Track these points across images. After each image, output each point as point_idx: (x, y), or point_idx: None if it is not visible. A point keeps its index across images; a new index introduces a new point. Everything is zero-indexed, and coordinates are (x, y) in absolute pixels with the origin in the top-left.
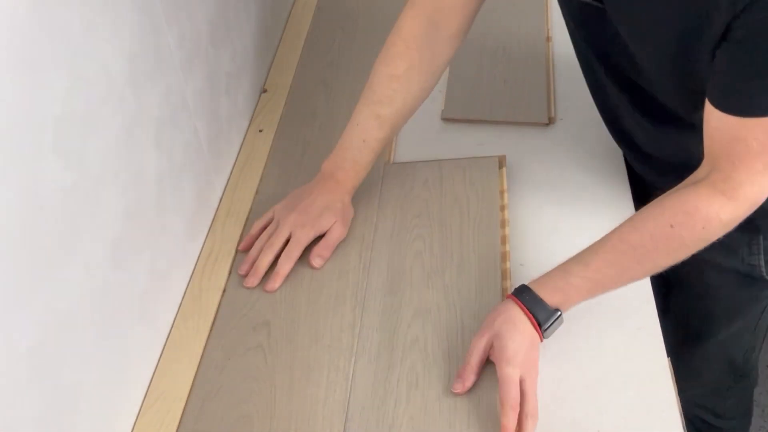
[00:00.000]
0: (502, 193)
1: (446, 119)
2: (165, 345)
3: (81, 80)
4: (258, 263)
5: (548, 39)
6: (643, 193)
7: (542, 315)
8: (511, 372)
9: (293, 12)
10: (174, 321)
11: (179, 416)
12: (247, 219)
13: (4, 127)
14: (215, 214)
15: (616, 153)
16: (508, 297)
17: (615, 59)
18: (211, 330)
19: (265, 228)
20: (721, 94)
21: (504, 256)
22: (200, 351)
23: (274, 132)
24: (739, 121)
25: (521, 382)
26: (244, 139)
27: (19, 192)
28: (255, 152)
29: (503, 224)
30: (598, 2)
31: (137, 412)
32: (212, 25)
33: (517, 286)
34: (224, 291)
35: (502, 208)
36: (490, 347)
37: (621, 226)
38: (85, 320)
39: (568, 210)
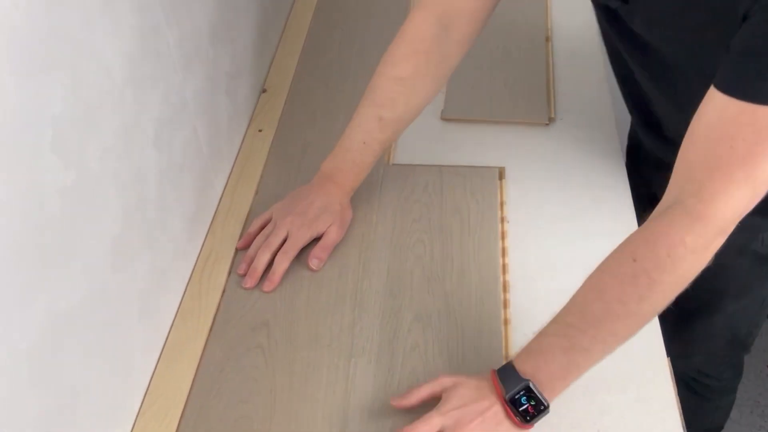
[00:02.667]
0: (501, 204)
1: (446, 119)
2: (165, 345)
3: (80, 80)
4: (255, 263)
5: (548, 39)
6: (646, 194)
7: (509, 384)
8: (437, 421)
9: (293, 12)
10: (174, 321)
11: (179, 416)
12: (246, 219)
13: (3, 126)
14: (215, 214)
15: (616, 153)
16: (492, 376)
17: (641, 51)
18: (210, 330)
19: (263, 227)
20: (727, 75)
21: (504, 268)
22: (200, 351)
23: (273, 132)
24: (737, 108)
25: None
26: (244, 139)
27: (19, 192)
28: (255, 152)
29: (503, 236)
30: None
31: (137, 412)
32: (212, 25)
33: (517, 290)
34: (224, 291)
35: (502, 219)
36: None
37: (591, 274)
38: (84, 320)
39: (568, 210)
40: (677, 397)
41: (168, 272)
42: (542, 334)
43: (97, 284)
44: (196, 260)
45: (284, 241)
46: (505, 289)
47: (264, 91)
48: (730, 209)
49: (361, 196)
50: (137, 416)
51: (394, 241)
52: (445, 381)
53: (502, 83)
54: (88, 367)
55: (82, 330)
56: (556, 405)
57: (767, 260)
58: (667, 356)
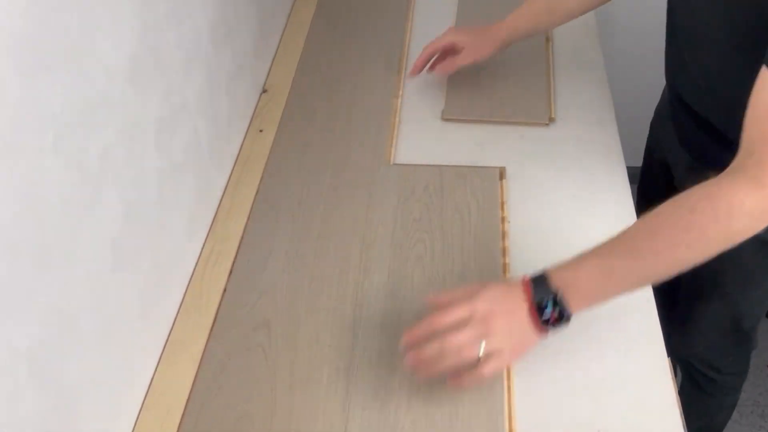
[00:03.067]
0: (502, 204)
1: (447, 119)
2: (165, 344)
3: (81, 80)
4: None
5: (548, 39)
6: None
7: (539, 290)
8: (465, 310)
9: (293, 12)
10: (174, 321)
11: (180, 416)
12: (247, 219)
13: (4, 127)
14: (216, 214)
15: (616, 153)
16: (524, 284)
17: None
18: (211, 330)
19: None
20: None
21: (505, 268)
22: (201, 351)
23: (274, 132)
24: None
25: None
26: (245, 139)
27: (20, 191)
28: (255, 152)
29: (504, 236)
30: None
31: (138, 411)
32: (212, 25)
33: None
34: (225, 290)
35: (503, 219)
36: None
37: (645, 215)
38: (85, 320)
39: (569, 211)
40: (677, 396)
41: (169, 272)
42: (583, 255)
43: (97, 284)
44: (197, 260)
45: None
46: None
47: (264, 91)
48: None
49: (362, 195)
50: (138, 416)
51: (395, 241)
52: (477, 285)
53: (502, 84)
54: (89, 367)
55: (83, 330)
56: (556, 405)
57: None
58: (670, 344)
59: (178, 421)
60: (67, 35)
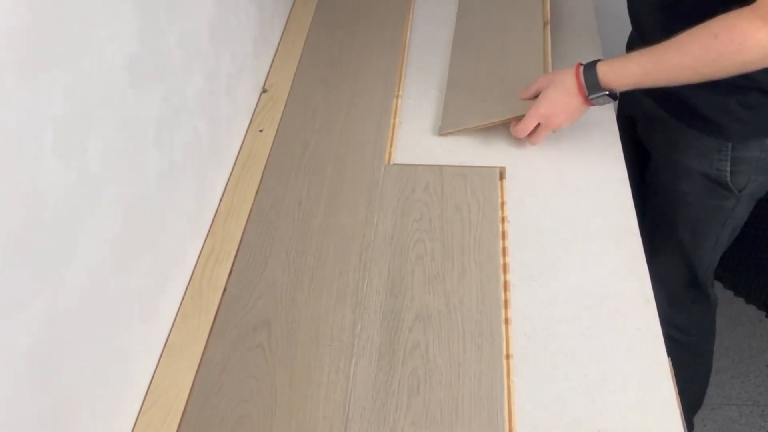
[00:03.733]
0: (502, 204)
1: (444, 135)
2: (165, 345)
3: (81, 80)
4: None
5: (546, 23)
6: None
7: (592, 89)
8: (534, 112)
9: (293, 12)
10: (174, 321)
11: (180, 416)
12: (247, 219)
13: (4, 127)
14: (215, 214)
15: (617, 152)
16: (576, 65)
17: None
18: (211, 330)
19: None
20: None
21: (505, 268)
22: (201, 351)
23: (274, 132)
24: None
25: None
26: (245, 138)
27: (19, 192)
28: (255, 152)
29: (504, 236)
30: None
31: (138, 412)
32: (212, 25)
33: (518, 289)
34: (225, 290)
35: (503, 219)
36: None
37: (682, 33)
38: (85, 320)
39: (569, 210)
40: (678, 397)
41: (168, 272)
42: (627, 57)
43: (97, 284)
44: (197, 260)
45: None
46: (505, 288)
47: (264, 91)
48: None
49: (361, 196)
50: (138, 416)
51: (395, 240)
52: (542, 82)
53: (498, 81)
54: (89, 367)
55: (83, 330)
56: (556, 405)
57: (717, 184)
58: None
59: (178, 421)
60: (67, 35)
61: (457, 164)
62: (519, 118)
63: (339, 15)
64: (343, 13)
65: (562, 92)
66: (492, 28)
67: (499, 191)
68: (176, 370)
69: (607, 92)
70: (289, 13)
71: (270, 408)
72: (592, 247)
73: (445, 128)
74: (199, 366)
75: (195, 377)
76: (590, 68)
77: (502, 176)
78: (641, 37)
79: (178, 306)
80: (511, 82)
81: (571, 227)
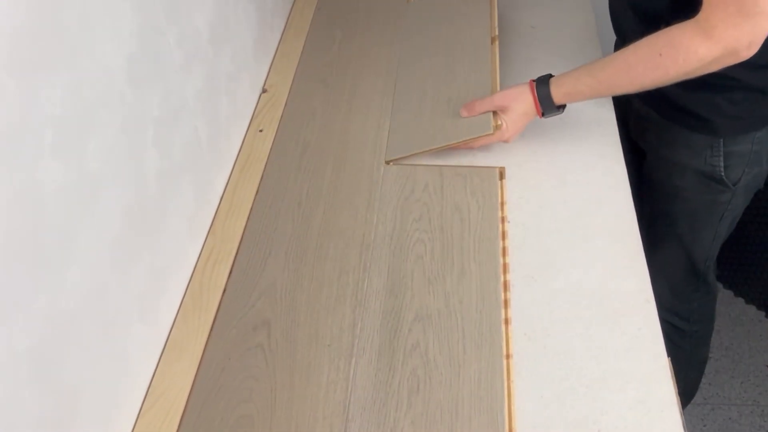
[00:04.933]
0: (502, 204)
1: (390, 161)
2: (165, 345)
3: (80, 80)
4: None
5: (494, 40)
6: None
7: (548, 110)
8: (500, 137)
9: (293, 12)
10: (174, 321)
11: (179, 416)
12: (247, 219)
13: (4, 127)
14: (215, 214)
15: (616, 152)
16: (529, 82)
17: None
18: (211, 330)
19: None
20: None
21: (505, 268)
22: (200, 351)
23: (274, 132)
24: None
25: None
26: (244, 138)
27: (19, 192)
28: (255, 152)
29: (504, 236)
30: None
31: (137, 412)
32: (212, 25)
33: (518, 289)
34: (224, 291)
35: (503, 219)
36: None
37: (625, 50)
38: (84, 320)
39: (568, 210)
40: (678, 397)
41: (168, 272)
42: (578, 81)
43: (97, 284)
44: (197, 260)
45: None
46: (505, 288)
47: (264, 91)
48: (731, 35)
49: (361, 196)
50: (138, 416)
51: (395, 240)
52: (499, 103)
53: (445, 103)
54: (89, 367)
55: (83, 330)
56: (556, 405)
57: (711, 179)
58: None
59: (177, 421)
60: (67, 35)
61: (456, 164)
62: (468, 142)
63: (339, 15)
64: (342, 13)
65: (523, 115)
66: (438, 45)
67: (499, 191)
68: (176, 370)
69: (562, 109)
70: (289, 14)
71: (270, 408)
72: (592, 247)
73: (391, 155)
74: (199, 366)
75: (195, 377)
76: (544, 87)
77: (501, 176)
78: (623, 43)
79: (178, 306)
80: (459, 104)
81: (571, 227)
